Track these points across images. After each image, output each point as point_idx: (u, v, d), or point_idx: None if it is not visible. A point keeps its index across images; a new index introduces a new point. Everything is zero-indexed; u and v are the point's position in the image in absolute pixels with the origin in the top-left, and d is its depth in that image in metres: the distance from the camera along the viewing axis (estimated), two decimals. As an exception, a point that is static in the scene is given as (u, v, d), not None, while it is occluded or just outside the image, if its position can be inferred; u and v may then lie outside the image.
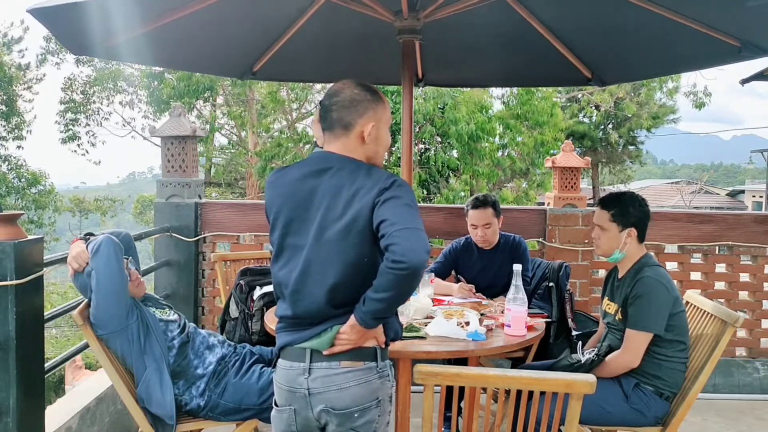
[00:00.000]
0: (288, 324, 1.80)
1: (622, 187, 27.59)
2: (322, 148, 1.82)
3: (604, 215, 2.55)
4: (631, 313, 2.41)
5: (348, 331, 1.71)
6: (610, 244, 2.55)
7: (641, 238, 2.55)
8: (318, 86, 15.19)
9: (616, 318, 2.53)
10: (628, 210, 2.52)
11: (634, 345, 2.39)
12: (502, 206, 3.44)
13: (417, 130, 11.45)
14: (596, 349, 2.52)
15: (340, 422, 1.72)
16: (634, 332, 2.39)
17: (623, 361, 2.42)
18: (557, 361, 2.61)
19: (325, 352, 1.72)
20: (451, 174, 12.04)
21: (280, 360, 1.81)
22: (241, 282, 3.08)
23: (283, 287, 1.78)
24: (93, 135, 17.17)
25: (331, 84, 1.84)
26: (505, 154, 13.38)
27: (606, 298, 2.66)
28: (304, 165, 1.81)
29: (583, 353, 2.56)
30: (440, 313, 2.72)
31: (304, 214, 1.74)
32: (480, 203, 3.34)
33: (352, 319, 1.69)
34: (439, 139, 11.91)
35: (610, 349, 2.49)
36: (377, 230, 1.63)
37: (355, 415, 1.72)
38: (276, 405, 1.83)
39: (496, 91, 15.20)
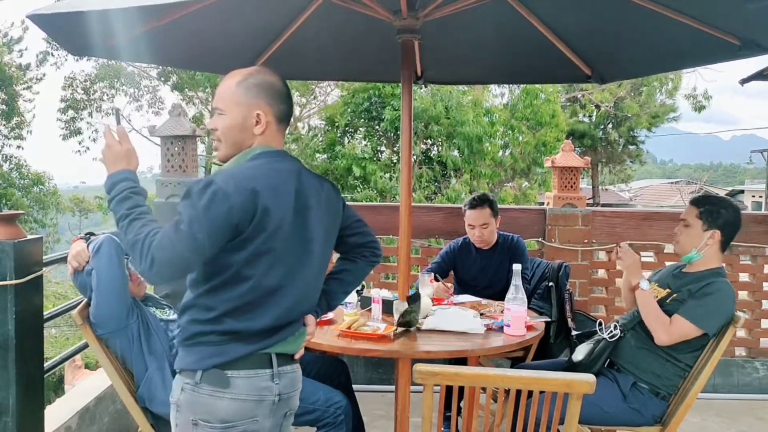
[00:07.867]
0: (251, 333, 1.58)
1: (622, 187, 27.58)
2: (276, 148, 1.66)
3: (692, 210, 2.48)
4: (691, 305, 2.36)
5: (314, 330, 1.77)
6: (690, 240, 2.47)
7: (724, 246, 2.46)
8: (323, 84, 15.17)
9: (667, 300, 2.46)
10: (719, 210, 2.42)
11: (679, 331, 2.34)
12: (501, 206, 3.44)
13: (423, 129, 11.45)
14: (616, 323, 2.53)
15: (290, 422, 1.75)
16: (687, 323, 2.33)
17: (662, 331, 2.36)
18: (568, 361, 2.60)
19: (296, 356, 1.69)
20: (453, 174, 12.05)
21: (230, 372, 1.56)
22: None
23: (275, 293, 1.58)
24: (95, 130, 17.17)
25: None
26: (507, 153, 13.38)
27: (654, 284, 2.59)
28: (276, 164, 1.62)
29: (603, 330, 2.54)
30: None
31: (300, 216, 1.60)
32: (477, 203, 3.34)
33: (311, 317, 1.75)
34: (443, 139, 11.91)
35: (635, 324, 2.48)
36: (351, 227, 1.80)
37: (297, 411, 1.76)
38: (223, 423, 1.56)
39: (498, 90, 15.22)
